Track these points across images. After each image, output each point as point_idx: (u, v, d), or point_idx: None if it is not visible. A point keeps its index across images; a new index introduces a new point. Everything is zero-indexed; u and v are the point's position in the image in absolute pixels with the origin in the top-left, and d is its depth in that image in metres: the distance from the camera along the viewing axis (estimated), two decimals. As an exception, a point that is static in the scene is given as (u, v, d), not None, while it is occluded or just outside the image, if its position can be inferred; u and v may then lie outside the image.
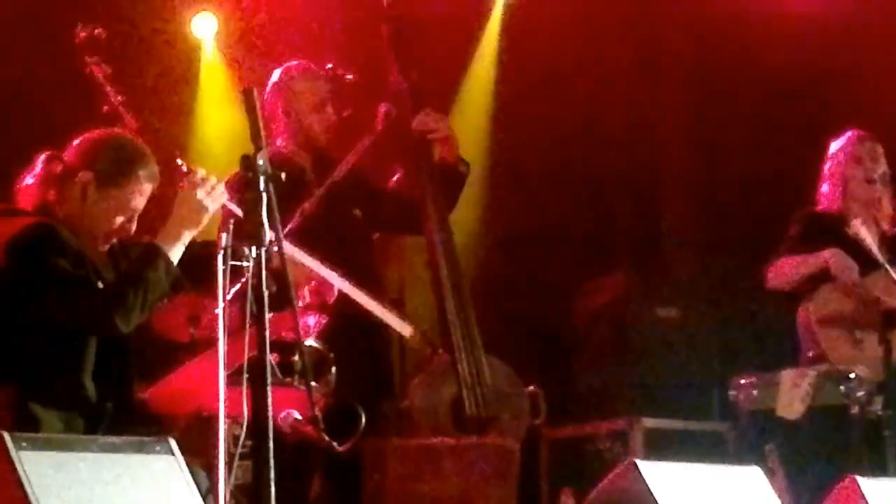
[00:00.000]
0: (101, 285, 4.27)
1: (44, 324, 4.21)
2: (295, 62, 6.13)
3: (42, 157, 4.42)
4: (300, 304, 4.49)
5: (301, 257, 4.60)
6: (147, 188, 4.40)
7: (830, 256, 6.15)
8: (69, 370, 4.26)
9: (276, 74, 6.09)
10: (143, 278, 4.23)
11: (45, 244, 4.23)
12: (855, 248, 6.19)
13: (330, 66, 6.15)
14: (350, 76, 6.18)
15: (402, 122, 6.18)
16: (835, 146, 6.40)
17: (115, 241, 4.43)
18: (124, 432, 4.09)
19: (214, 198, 4.28)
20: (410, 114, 6.22)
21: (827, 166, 6.40)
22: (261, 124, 3.91)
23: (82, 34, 5.63)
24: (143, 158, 4.42)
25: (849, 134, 6.39)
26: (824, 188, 6.39)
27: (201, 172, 4.29)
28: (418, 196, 6.22)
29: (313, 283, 4.57)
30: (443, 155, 6.23)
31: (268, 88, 6.03)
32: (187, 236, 4.30)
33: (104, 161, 4.36)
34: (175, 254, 4.28)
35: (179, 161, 4.34)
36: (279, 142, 6.05)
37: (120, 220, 4.38)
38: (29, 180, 4.41)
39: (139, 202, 4.40)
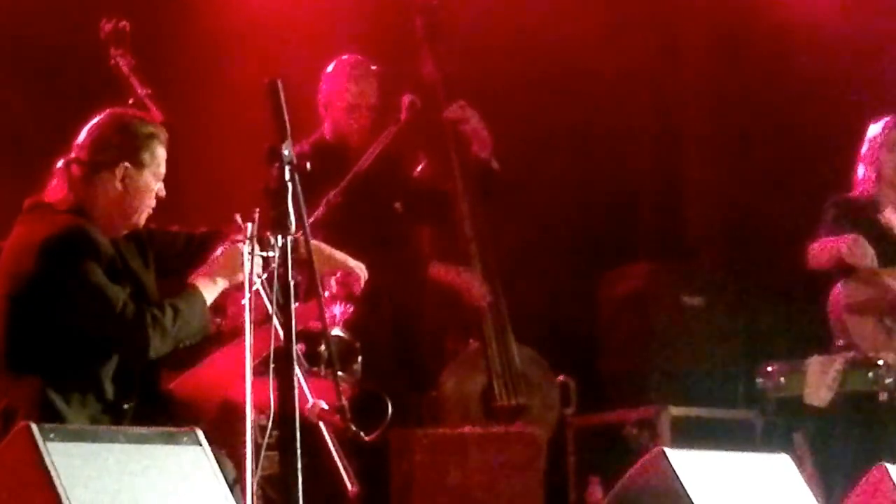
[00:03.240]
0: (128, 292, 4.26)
1: (70, 328, 4.20)
2: (347, 56, 6.16)
3: (58, 165, 4.38)
4: (326, 294, 4.47)
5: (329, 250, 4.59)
6: (164, 150, 4.41)
7: (845, 243, 6.09)
8: (90, 370, 4.24)
9: (330, 66, 6.12)
10: (180, 313, 4.24)
11: (81, 248, 4.22)
12: (887, 236, 6.14)
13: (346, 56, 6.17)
14: (374, 67, 6.18)
15: (434, 114, 6.19)
16: (872, 130, 6.32)
17: (140, 227, 4.41)
18: (148, 426, 4.06)
19: (252, 258, 4.20)
20: (443, 106, 6.23)
21: (863, 150, 6.32)
22: (285, 116, 3.90)
23: (107, 27, 5.63)
24: (151, 125, 4.45)
25: (886, 119, 6.31)
26: (859, 172, 6.32)
27: (250, 229, 4.23)
28: (449, 187, 6.23)
29: (339, 273, 4.55)
30: (474, 150, 6.23)
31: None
32: (221, 285, 4.29)
33: (129, 146, 4.34)
34: (209, 299, 4.28)
35: (238, 217, 4.29)
36: (324, 130, 6.09)
37: (157, 187, 4.39)
38: (53, 188, 4.38)
39: (164, 166, 4.41)
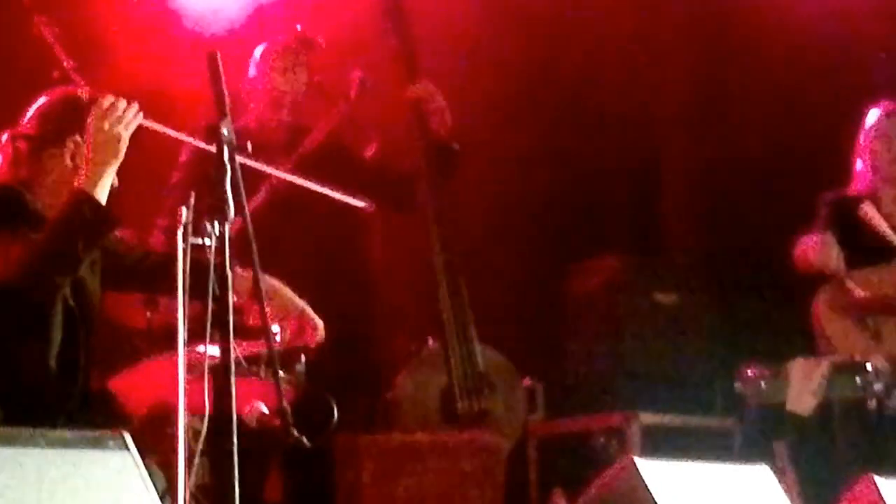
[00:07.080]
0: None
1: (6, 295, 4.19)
2: (274, 42, 6.13)
3: (2, 139, 4.38)
4: (278, 339, 4.46)
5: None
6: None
7: (813, 244, 6.09)
8: (35, 347, 4.27)
9: (257, 50, 6.09)
10: (71, 225, 4.21)
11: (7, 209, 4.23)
12: (872, 234, 6.15)
13: (299, 27, 6.14)
14: (321, 40, 6.15)
15: (395, 91, 6.18)
16: (868, 119, 6.31)
17: None
18: (88, 420, 4.13)
19: (127, 123, 4.23)
20: (405, 83, 6.22)
21: (860, 141, 6.32)
22: (224, 90, 3.88)
23: (31, -8, 5.59)
24: None
25: (881, 107, 6.29)
26: (857, 165, 6.33)
27: (107, 101, 4.22)
28: (410, 171, 6.21)
29: (292, 324, 4.54)
30: (436, 129, 6.22)
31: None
32: (110, 170, 4.26)
33: (80, 120, 4.31)
34: (101, 193, 4.25)
35: (80, 92, 4.32)
36: (249, 119, 6.05)
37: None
38: None
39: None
